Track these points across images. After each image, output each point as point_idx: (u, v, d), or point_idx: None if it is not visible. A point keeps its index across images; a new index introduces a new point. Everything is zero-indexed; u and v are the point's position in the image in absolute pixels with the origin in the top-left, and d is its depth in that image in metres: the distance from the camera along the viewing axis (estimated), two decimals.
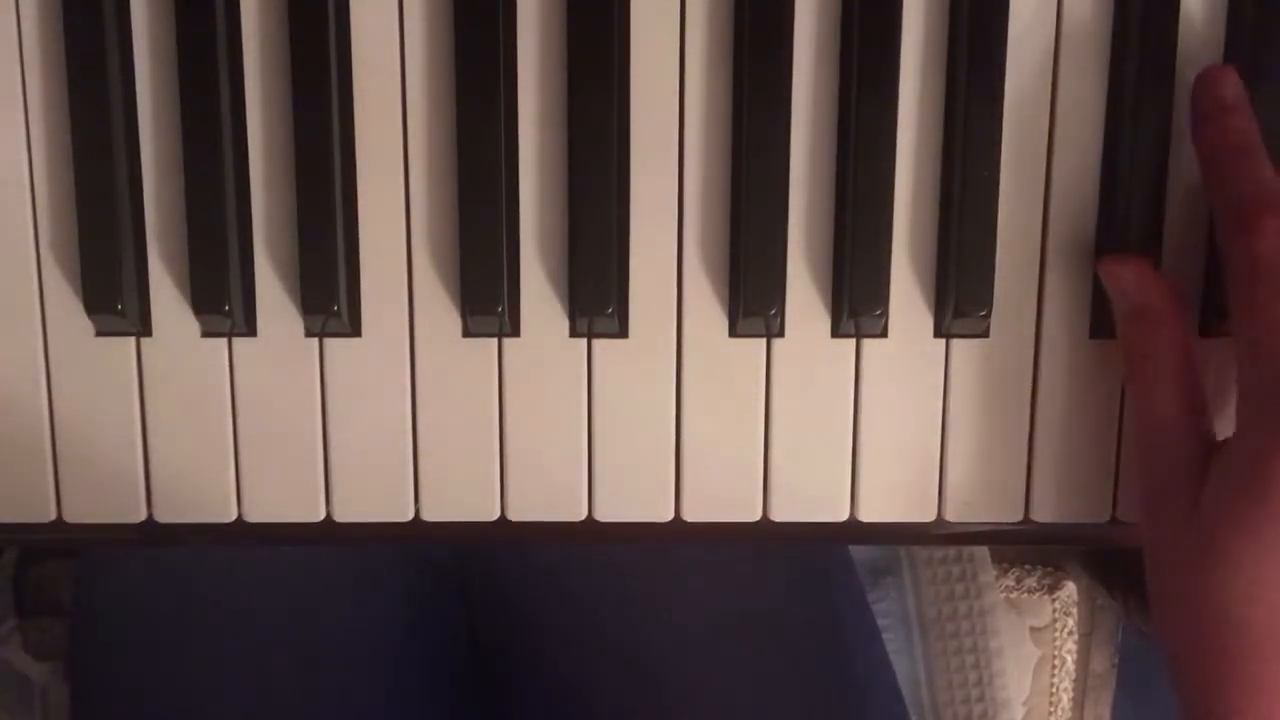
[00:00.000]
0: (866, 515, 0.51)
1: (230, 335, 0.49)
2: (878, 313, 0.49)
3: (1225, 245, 0.45)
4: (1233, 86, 0.47)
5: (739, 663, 0.64)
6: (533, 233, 0.49)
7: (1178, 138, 0.49)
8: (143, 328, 0.49)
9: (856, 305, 0.48)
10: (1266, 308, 0.43)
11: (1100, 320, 0.50)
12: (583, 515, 0.51)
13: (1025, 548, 0.78)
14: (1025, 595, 0.77)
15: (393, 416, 0.50)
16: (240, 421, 0.50)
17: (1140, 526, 0.47)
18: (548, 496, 0.50)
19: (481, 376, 0.50)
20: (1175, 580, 0.45)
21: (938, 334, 0.50)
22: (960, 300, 0.49)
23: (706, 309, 0.49)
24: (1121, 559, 0.77)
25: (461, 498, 0.50)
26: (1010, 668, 0.78)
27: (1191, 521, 0.44)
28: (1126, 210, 0.49)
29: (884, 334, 0.50)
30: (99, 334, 0.49)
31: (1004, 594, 0.77)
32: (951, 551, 0.82)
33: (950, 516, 0.51)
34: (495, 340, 0.49)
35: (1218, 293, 0.49)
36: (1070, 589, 0.77)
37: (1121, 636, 0.82)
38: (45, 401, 0.50)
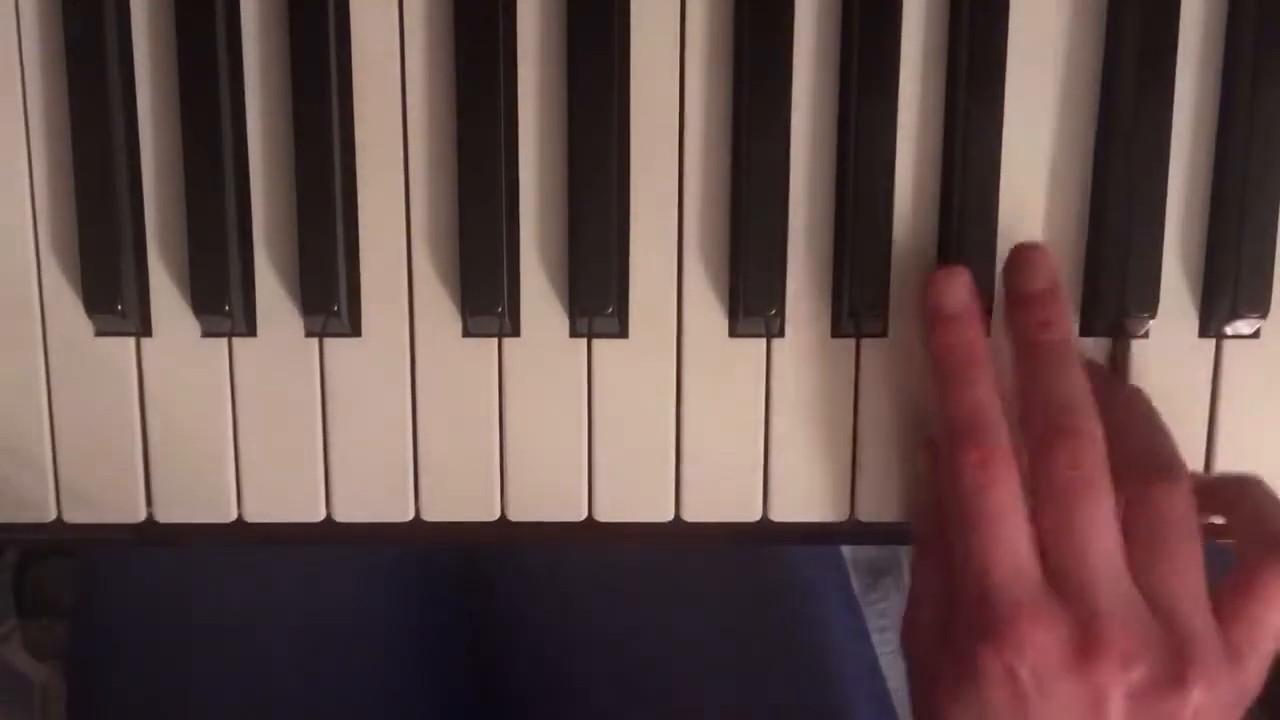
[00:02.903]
0: (866, 515, 0.51)
1: (230, 335, 0.49)
2: (877, 312, 0.49)
3: (941, 454, 0.46)
4: (957, 293, 0.47)
5: (734, 664, 0.65)
6: (533, 233, 0.49)
7: (1177, 137, 0.49)
8: (143, 328, 0.49)
9: (856, 305, 0.48)
10: (963, 530, 0.44)
11: (1092, 318, 0.50)
12: (583, 515, 0.51)
13: None
14: None
15: (393, 416, 0.50)
16: (240, 421, 0.50)
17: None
18: (548, 496, 0.50)
19: (481, 376, 0.50)
20: None
21: None
22: None
23: (706, 309, 0.49)
24: None
25: (461, 498, 0.50)
26: None
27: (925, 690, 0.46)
28: (1127, 208, 0.49)
29: (884, 333, 0.50)
30: (99, 334, 0.49)
31: None
32: None
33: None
34: (495, 340, 0.49)
35: (1214, 286, 0.50)
36: None
37: None
38: (45, 401, 0.50)
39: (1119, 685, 0.42)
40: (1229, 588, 0.44)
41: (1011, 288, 0.48)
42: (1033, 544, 0.44)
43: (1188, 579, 0.44)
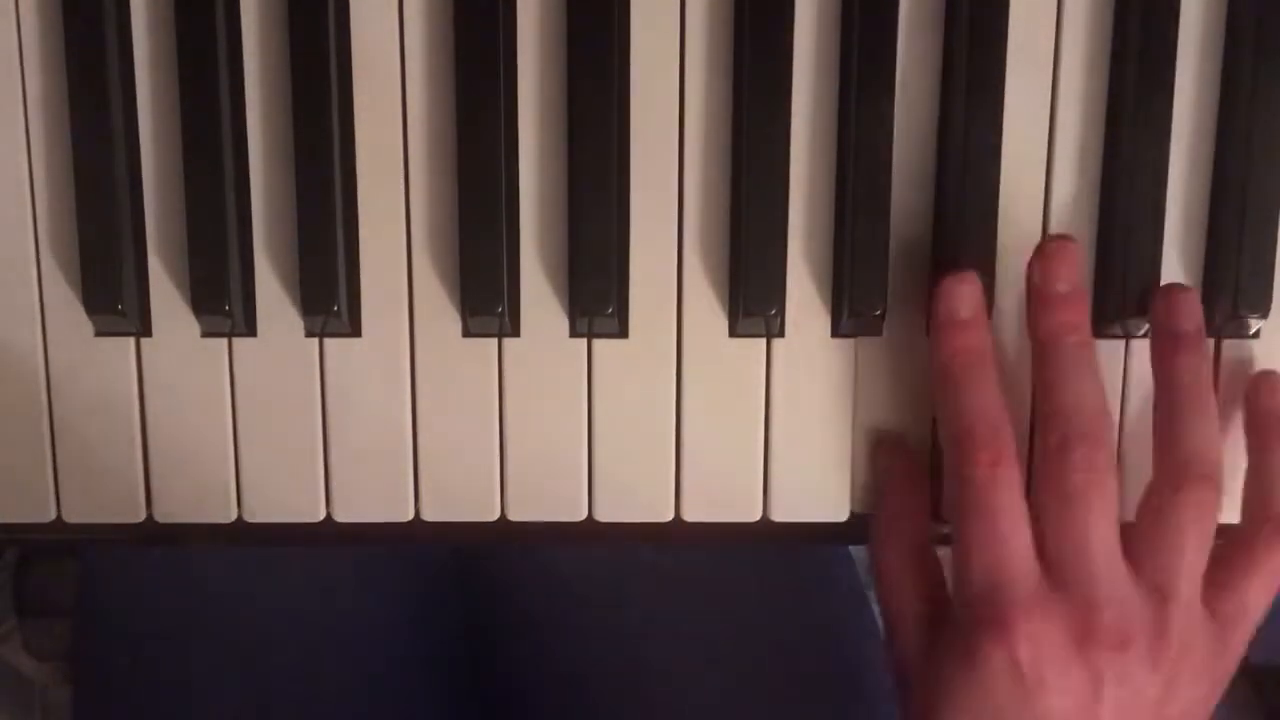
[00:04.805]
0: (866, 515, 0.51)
1: (230, 335, 0.49)
2: (877, 312, 0.49)
3: (946, 457, 0.47)
4: (968, 299, 0.48)
5: (737, 662, 0.65)
6: (533, 233, 0.49)
7: (1176, 137, 0.49)
8: (143, 328, 0.49)
9: (856, 305, 0.48)
10: (967, 528, 0.46)
11: (1098, 319, 0.50)
12: (583, 515, 0.51)
13: None
14: None
15: (393, 416, 0.50)
16: (240, 421, 0.50)
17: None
18: (548, 496, 0.50)
19: (481, 376, 0.50)
20: None
21: None
22: None
23: (706, 309, 0.49)
24: None
25: (461, 498, 0.50)
26: None
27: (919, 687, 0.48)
28: (1127, 210, 0.49)
29: (883, 333, 0.50)
30: (99, 334, 0.49)
31: None
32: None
33: (949, 516, 0.51)
34: (495, 340, 0.49)
35: (1214, 286, 0.49)
36: None
37: None
38: (45, 401, 0.50)
39: (1113, 668, 0.44)
40: (1224, 560, 0.47)
41: (1038, 286, 0.48)
42: (1032, 542, 0.46)
43: (1190, 578, 0.46)
